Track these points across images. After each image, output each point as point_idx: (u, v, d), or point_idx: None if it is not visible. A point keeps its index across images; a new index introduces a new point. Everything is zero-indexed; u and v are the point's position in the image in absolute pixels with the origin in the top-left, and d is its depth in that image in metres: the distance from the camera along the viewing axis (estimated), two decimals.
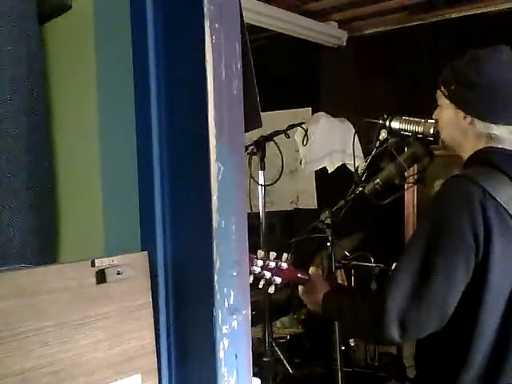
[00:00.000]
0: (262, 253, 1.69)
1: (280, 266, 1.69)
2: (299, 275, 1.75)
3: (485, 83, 1.49)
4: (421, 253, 1.42)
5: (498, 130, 1.48)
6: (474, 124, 1.49)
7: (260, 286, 1.69)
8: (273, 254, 1.70)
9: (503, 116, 1.49)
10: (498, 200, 1.38)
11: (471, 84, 1.50)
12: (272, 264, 1.68)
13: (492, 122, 1.48)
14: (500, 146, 1.48)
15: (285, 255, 1.72)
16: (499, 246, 1.37)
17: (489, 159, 1.47)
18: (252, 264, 1.64)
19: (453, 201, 1.45)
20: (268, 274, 1.68)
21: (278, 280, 1.69)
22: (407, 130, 1.87)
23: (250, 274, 1.70)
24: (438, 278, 1.38)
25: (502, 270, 1.37)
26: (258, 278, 1.69)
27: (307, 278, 1.74)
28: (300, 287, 1.76)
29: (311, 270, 1.76)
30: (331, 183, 3.29)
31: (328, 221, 2.17)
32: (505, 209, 1.38)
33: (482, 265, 1.37)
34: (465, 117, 1.51)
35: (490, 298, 1.37)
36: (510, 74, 1.50)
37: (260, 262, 1.67)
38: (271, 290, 1.71)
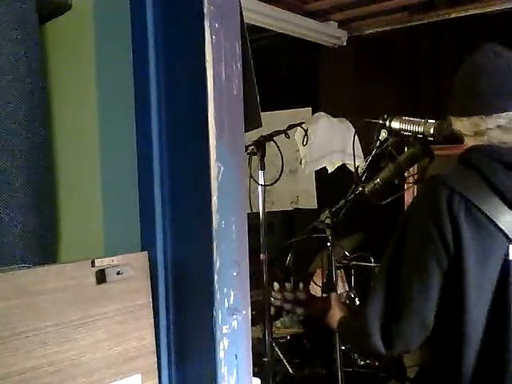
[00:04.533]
0: (278, 285, 1.73)
1: (298, 296, 1.73)
2: (318, 304, 1.77)
3: (459, 79, 1.48)
4: (392, 262, 1.43)
5: (485, 122, 1.40)
6: (466, 123, 1.44)
7: (283, 318, 1.75)
8: (289, 286, 1.74)
9: (486, 104, 1.41)
10: (469, 198, 1.36)
11: (453, 89, 1.49)
12: (290, 295, 1.72)
13: (476, 114, 1.41)
14: (485, 144, 1.42)
15: (301, 285, 1.75)
16: (472, 244, 1.34)
17: (465, 158, 1.45)
18: (271, 297, 1.68)
19: (419, 204, 1.46)
20: (288, 306, 1.71)
21: (300, 310, 1.72)
22: (407, 130, 1.87)
23: (271, 306, 1.74)
24: (411, 286, 1.38)
25: (478, 269, 1.35)
26: (278, 310, 1.74)
27: (326, 304, 1.75)
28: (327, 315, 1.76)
29: (332, 296, 1.77)
30: (331, 183, 3.29)
31: (328, 221, 2.17)
32: (476, 206, 1.35)
33: (456, 265, 1.35)
34: (461, 120, 1.47)
35: (471, 302, 1.35)
36: (485, 61, 1.46)
37: (278, 295, 1.71)
38: (298, 318, 1.76)
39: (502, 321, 1.36)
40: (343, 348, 2.50)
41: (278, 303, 1.73)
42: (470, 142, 1.47)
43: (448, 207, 1.36)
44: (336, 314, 1.70)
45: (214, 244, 0.82)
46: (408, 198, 4.06)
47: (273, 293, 1.71)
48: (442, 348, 1.45)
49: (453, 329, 1.39)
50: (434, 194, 1.40)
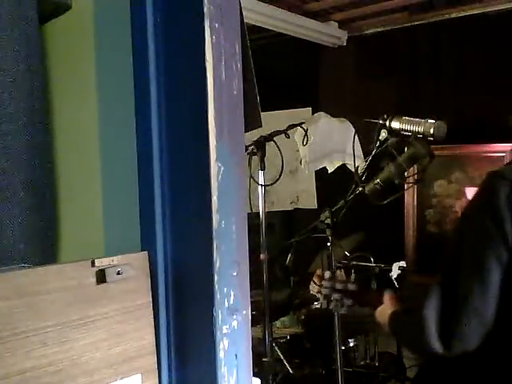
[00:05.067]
0: (329, 273, 1.71)
1: (348, 287, 1.72)
2: (369, 297, 1.76)
3: None
4: (450, 260, 1.41)
5: None
6: None
7: (331, 307, 1.72)
8: (340, 275, 1.72)
9: None
10: None
11: None
12: (340, 285, 1.70)
13: None
14: None
15: (352, 276, 1.74)
16: None
17: None
18: (320, 285, 1.66)
19: (477, 200, 1.44)
20: (337, 296, 1.69)
21: (348, 302, 1.71)
22: (407, 130, 1.87)
23: (319, 294, 1.72)
24: (471, 285, 1.36)
25: None
26: (326, 299, 1.72)
27: (378, 299, 1.73)
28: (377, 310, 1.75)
29: (386, 294, 1.75)
30: (331, 183, 3.29)
31: (328, 221, 2.17)
32: None
33: None
34: None
35: None
36: None
37: (328, 284, 1.69)
38: (343, 310, 1.73)
39: None
40: (343, 348, 2.50)
41: (326, 292, 1.71)
42: None
43: (508, 202, 1.34)
44: (387, 310, 1.68)
45: (214, 244, 0.82)
46: (408, 198, 4.07)
47: (323, 281, 1.70)
48: (500, 342, 1.42)
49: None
50: (492, 189, 1.39)
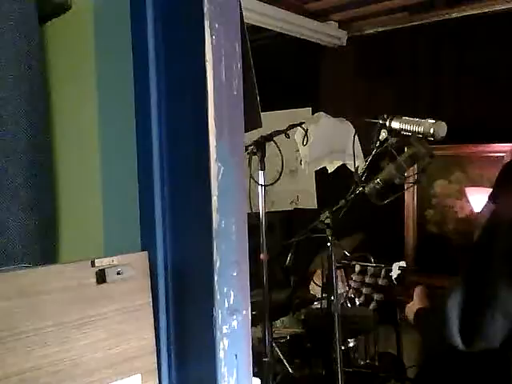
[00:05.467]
0: (359, 267, 1.71)
1: (378, 282, 1.71)
2: (399, 293, 1.76)
3: None
4: (475, 254, 1.41)
5: None
6: None
7: (358, 302, 1.72)
8: (371, 270, 1.72)
9: None
10: None
11: None
12: (370, 280, 1.70)
13: None
14: None
15: (383, 271, 1.74)
16: None
17: None
18: (350, 278, 1.66)
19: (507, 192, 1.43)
20: (367, 290, 1.69)
21: (378, 296, 1.70)
22: (407, 130, 1.87)
23: (349, 288, 1.72)
24: (497, 281, 1.35)
25: None
26: (356, 292, 1.71)
27: (408, 295, 1.73)
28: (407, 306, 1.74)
29: (417, 289, 1.75)
30: (331, 183, 3.29)
31: (328, 221, 2.17)
32: None
33: None
34: None
35: None
36: None
37: (358, 277, 1.69)
38: (372, 306, 1.73)
39: None
40: (343, 348, 2.50)
41: (356, 286, 1.71)
42: None
43: None
44: (415, 306, 1.68)
45: (214, 244, 0.82)
46: (408, 198, 4.07)
47: (353, 275, 1.70)
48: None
49: None
50: None
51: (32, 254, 0.91)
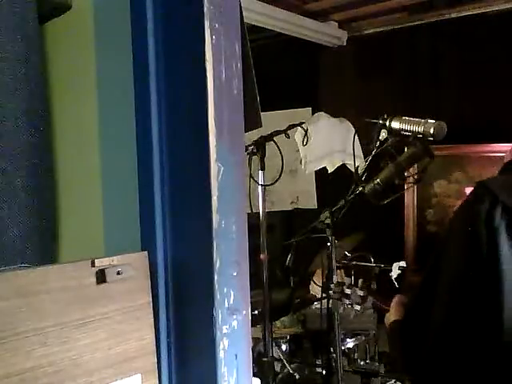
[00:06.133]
0: (336, 278, 1.73)
1: (356, 292, 1.74)
2: (378, 303, 1.77)
3: None
4: (430, 270, 1.40)
5: None
6: None
7: (340, 311, 1.74)
8: (348, 281, 1.74)
9: None
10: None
11: None
12: (348, 291, 1.72)
13: None
14: None
15: (360, 281, 1.76)
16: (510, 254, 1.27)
17: None
18: (329, 289, 1.68)
19: (459, 214, 1.42)
20: (346, 301, 1.71)
21: (358, 307, 1.73)
22: (407, 130, 1.87)
23: (329, 298, 1.74)
24: (442, 316, 1.33)
25: None
26: (338, 301, 1.74)
27: (387, 305, 1.73)
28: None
29: (395, 298, 1.74)
30: (331, 183, 3.29)
31: (328, 221, 2.17)
32: None
33: (490, 269, 1.29)
34: None
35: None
36: None
37: (336, 289, 1.71)
38: (352, 315, 1.76)
39: None
40: (343, 348, 2.50)
41: (336, 296, 1.73)
42: None
43: (487, 216, 1.29)
44: (391, 317, 1.66)
45: (214, 244, 0.82)
46: (408, 198, 4.07)
47: (331, 285, 1.72)
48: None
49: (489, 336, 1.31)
50: (474, 202, 1.35)
51: (32, 254, 0.91)
